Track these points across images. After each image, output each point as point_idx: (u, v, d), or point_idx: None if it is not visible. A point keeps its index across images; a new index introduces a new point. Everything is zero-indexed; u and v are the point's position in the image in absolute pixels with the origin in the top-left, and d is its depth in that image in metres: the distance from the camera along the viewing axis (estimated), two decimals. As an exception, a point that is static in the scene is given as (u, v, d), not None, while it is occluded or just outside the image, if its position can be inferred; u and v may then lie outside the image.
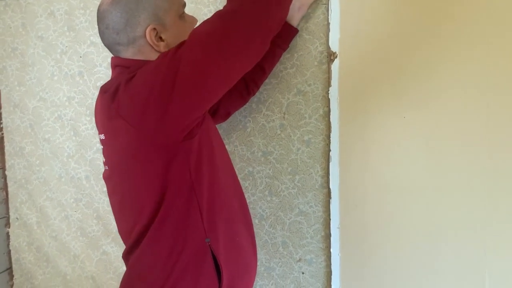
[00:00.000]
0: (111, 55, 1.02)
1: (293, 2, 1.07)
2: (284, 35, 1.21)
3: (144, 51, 0.97)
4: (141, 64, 0.94)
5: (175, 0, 1.00)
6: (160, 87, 0.84)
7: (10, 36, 1.68)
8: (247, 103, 1.34)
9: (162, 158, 0.89)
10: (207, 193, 0.95)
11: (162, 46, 0.97)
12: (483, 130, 1.14)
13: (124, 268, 1.60)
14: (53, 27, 1.60)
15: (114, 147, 0.96)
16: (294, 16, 1.21)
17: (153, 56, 0.96)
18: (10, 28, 1.68)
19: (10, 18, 1.67)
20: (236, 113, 1.38)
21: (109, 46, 0.99)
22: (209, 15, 1.28)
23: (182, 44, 0.87)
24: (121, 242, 1.60)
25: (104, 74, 1.54)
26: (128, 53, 0.98)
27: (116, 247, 1.62)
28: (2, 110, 1.74)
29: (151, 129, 0.86)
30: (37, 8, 1.62)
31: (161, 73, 0.85)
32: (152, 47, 0.96)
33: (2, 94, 1.73)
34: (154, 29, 0.95)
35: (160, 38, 0.97)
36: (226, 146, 1.41)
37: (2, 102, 1.74)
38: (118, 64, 0.99)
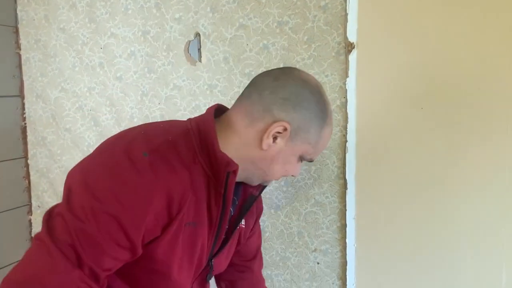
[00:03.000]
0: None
1: None
2: None
3: (248, 135, 0.85)
4: (221, 156, 0.81)
5: (317, 144, 0.89)
6: None
7: (33, 28, 1.72)
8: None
9: None
10: None
11: (267, 145, 0.84)
12: (504, 124, 1.13)
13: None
14: (75, 19, 1.64)
15: None
16: None
17: (245, 147, 0.85)
18: (34, 20, 1.72)
19: (34, 10, 1.71)
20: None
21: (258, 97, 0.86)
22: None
23: None
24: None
25: (124, 65, 1.57)
26: (242, 113, 0.86)
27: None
28: (25, 100, 1.79)
29: None
30: (60, 1, 1.65)
31: None
32: (260, 139, 0.84)
33: (25, 84, 1.78)
34: (286, 129, 0.83)
35: (275, 138, 0.84)
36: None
37: (25, 92, 1.78)
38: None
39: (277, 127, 0.82)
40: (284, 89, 0.84)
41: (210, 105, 0.91)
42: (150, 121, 1.54)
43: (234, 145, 0.85)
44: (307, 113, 0.84)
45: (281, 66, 1.33)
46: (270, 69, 0.94)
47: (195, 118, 0.89)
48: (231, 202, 0.88)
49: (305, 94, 0.85)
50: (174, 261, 0.83)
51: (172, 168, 0.77)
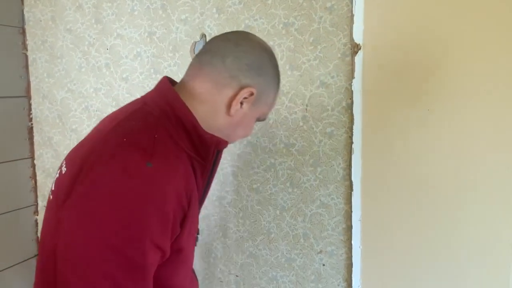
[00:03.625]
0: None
1: None
2: None
3: (216, 103, 0.86)
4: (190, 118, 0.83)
5: (272, 104, 0.95)
6: None
7: (40, 29, 1.73)
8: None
9: None
10: None
11: (235, 111, 0.86)
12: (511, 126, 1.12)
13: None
14: (81, 20, 1.64)
15: None
16: None
17: (213, 116, 0.86)
18: (40, 21, 1.73)
19: (40, 11, 1.72)
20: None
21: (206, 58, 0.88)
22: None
23: None
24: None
25: (130, 66, 1.57)
26: (205, 83, 0.86)
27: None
28: (32, 101, 1.80)
29: None
30: (66, 2, 1.66)
31: None
32: (229, 106, 0.86)
33: (32, 85, 1.79)
34: (253, 94, 0.86)
35: (242, 104, 0.87)
36: (249, 138, 1.42)
37: (31, 93, 1.79)
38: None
39: (245, 93, 0.85)
40: (248, 55, 0.86)
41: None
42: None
43: (203, 116, 0.85)
44: (268, 77, 0.89)
45: (287, 67, 1.33)
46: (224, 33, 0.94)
47: (154, 98, 0.86)
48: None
49: (265, 59, 0.89)
50: (190, 246, 0.87)
51: (173, 166, 0.77)
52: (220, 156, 0.96)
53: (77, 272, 0.70)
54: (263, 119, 0.97)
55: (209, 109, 0.86)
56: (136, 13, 1.54)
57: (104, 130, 0.81)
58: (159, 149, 0.76)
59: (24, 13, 1.77)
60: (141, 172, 0.72)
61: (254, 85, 0.86)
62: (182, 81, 0.89)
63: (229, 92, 0.85)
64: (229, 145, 1.38)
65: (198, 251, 1.56)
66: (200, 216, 1.53)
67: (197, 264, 1.57)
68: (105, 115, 1.62)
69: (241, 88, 0.85)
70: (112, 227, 0.70)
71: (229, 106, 0.86)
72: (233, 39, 0.88)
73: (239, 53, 0.85)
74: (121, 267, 0.70)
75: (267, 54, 0.90)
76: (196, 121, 0.83)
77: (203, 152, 0.85)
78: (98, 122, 1.66)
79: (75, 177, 0.74)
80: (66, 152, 1.73)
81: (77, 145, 0.87)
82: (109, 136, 0.78)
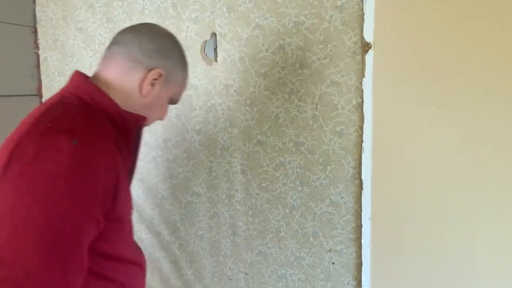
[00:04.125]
0: None
1: None
2: None
3: (129, 88, 0.95)
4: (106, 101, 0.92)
5: (182, 85, 1.05)
6: None
7: (51, 28, 1.75)
8: (280, 94, 1.36)
9: None
10: None
11: (147, 92, 0.95)
12: (522, 122, 1.11)
13: (158, 255, 1.65)
14: (92, 19, 1.66)
15: None
16: None
17: (129, 100, 0.95)
18: (52, 20, 1.74)
19: (52, 10, 1.74)
20: (268, 103, 1.39)
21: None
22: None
23: None
24: (156, 229, 1.65)
25: (141, 64, 1.58)
26: (116, 70, 0.94)
27: (150, 234, 1.66)
28: (43, 99, 1.81)
29: None
30: (77, 1, 1.68)
31: None
32: (140, 88, 0.95)
33: (43, 84, 1.80)
34: (162, 75, 0.96)
35: (153, 85, 0.96)
36: (259, 137, 1.42)
37: (43, 92, 1.81)
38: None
39: (154, 74, 0.94)
40: (151, 40, 0.95)
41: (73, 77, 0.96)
42: (166, 121, 1.55)
43: (120, 100, 0.94)
44: (174, 59, 0.99)
45: (297, 66, 1.33)
46: (131, 26, 1.01)
47: (70, 91, 0.92)
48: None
49: (168, 43, 0.99)
50: (126, 216, 0.95)
51: (97, 142, 0.84)
52: (142, 134, 1.05)
53: (9, 247, 0.73)
54: (176, 101, 1.06)
55: (124, 93, 0.94)
56: (146, 11, 1.55)
57: (30, 120, 0.86)
58: (81, 129, 0.83)
59: (36, 12, 1.78)
60: (68, 148, 0.78)
61: (160, 67, 0.95)
62: (94, 73, 0.97)
63: (138, 75, 0.94)
64: (238, 143, 1.40)
65: (208, 248, 1.57)
66: (209, 214, 1.54)
67: (206, 262, 1.58)
68: (115, 113, 1.64)
69: (149, 70, 0.94)
70: (45, 201, 0.75)
71: (140, 88, 0.95)
72: (137, 29, 0.98)
73: (142, 40, 0.94)
74: (55, 239, 0.74)
75: (170, 39, 1.00)
76: (114, 102, 0.92)
77: (125, 130, 0.94)
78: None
79: (9, 157, 0.79)
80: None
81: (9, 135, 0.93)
82: (36, 123, 0.83)
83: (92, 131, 0.84)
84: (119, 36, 0.97)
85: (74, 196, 0.77)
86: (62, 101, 0.90)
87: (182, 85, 1.05)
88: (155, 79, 0.95)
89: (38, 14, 1.78)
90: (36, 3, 1.78)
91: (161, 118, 1.06)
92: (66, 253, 0.76)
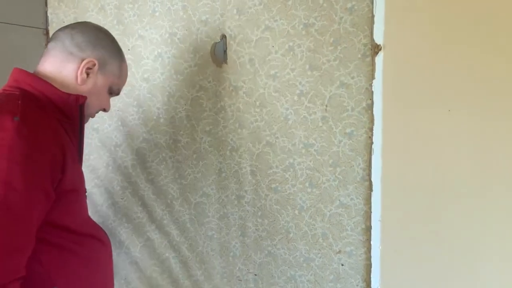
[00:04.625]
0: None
1: None
2: None
3: (66, 78, 1.04)
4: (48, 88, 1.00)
5: (120, 76, 1.15)
6: None
7: (63, 30, 1.77)
8: (290, 95, 1.37)
9: None
10: None
11: (82, 80, 1.05)
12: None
13: (168, 255, 1.66)
14: (103, 21, 1.67)
15: None
16: None
17: (66, 81, 1.04)
18: (63, 22, 1.76)
19: (64, 13, 1.76)
20: (278, 105, 1.40)
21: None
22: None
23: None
24: (165, 229, 1.66)
25: (151, 66, 1.59)
26: (53, 63, 1.04)
27: (160, 234, 1.67)
28: (55, 100, 1.83)
29: None
30: (88, 3, 1.69)
31: None
32: (76, 77, 1.05)
33: (54, 85, 1.82)
34: (95, 64, 1.06)
35: (88, 75, 1.06)
36: (268, 138, 1.43)
37: (54, 93, 1.83)
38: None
39: (87, 64, 1.04)
40: (83, 34, 1.06)
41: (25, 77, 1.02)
42: (175, 122, 1.57)
43: (61, 90, 1.02)
44: (107, 49, 1.09)
45: (307, 67, 1.34)
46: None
47: (11, 85, 1.00)
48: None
49: (101, 35, 1.09)
50: (77, 190, 1.04)
51: (39, 119, 0.93)
52: (85, 115, 1.11)
53: None
54: (117, 92, 1.16)
55: (62, 83, 1.03)
56: (157, 14, 1.56)
57: None
58: (23, 109, 0.91)
59: (48, 14, 1.80)
60: (11, 125, 0.86)
61: (93, 57, 1.05)
62: (35, 70, 1.06)
63: (73, 66, 1.04)
64: (247, 145, 1.41)
65: (217, 249, 1.58)
66: (219, 215, 1.55)
67: (216, 262, 1.58)
68: (126, 114, 1.66)
69: (82, 60, 1.04)
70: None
71: (76, 77, 1.05)
72: (70, 26, 1.08)
73: (75, 34, 1.05)
74: (5, 209, 0.82)
75: (102, 32, 1.11)
76: (54, 87, 1.00)
77: (68, 111, 1.02)
78: (119, 121, 1.69)
79: None
80: (87, 151, 1.76)
81: None
82: None
83: (33, 111, 0.93)
84: (55, 33, 1.07)
85: (22, 168, 0.84)
86: (3, 93, 0.97)
87: (120, 75, 1.15)
88: (89, 68, 1.06)
89: (50, 17, 1.80)
90: (48, 5, 1.80)
91: (103, 108, 1.15)
92: (15, 219, 0.84)
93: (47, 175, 0.90)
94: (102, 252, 1.13)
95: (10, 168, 0.83)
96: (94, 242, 1.10)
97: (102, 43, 1.09)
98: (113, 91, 1.15)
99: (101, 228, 1.18)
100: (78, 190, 1.05)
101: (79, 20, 1.71)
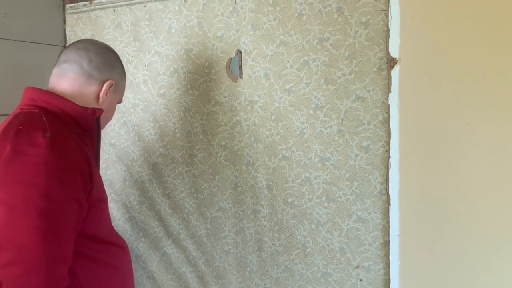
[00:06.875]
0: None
1: None
2: None
3: (86, 97, 1.09)
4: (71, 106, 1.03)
5: (124, 89, 1.23)
6: None
7: (81, 47, 1.80)
8: (306, 109, 1.37)
9: None
10: None
11: (103, 101, 1.11)
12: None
13: (184, 269, 1.66)
14: (120, 38, 1.70)
15: None
16: None
17: (88, 101, 1.09)
18: (81, 39, 1.79)
19: (81, 30, 1.79)
20: (293, 119, 1.40)
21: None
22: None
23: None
24: (182, 243, 1.66)
25: (167, 82, 1.61)
26: (72, 84, 1.07)
27: (176, 249, 1.67)
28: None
29: None
30: (106, 20, 1.72)
31: None
32: (97, 97, 1.10)
33: (72, 101, 1.85)
34: (112, 85, 1.11)
35: (106, 94, 1.11)
36: (284, 152, 1.43)
37: (72, 109, 1.86)
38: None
39: (108, 85, 1.10)
40: (98, 56, 1.10)
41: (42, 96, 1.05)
42: (191, 137, 1.58)
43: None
44: (119, 70, 1.16)
45: (322, 82, 1.34)
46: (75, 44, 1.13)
47: (28, 104, 1.02)
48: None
49: (112, 56, 1.15)
50: (103, 199, 1.08)
51: (65, 135, 0.97)
52: (100, 128, 1.15)
53: (7, 234, 0.86)
54: (119, 103, 1.23)
55: (80, 103, 1.06)
56: (173, 30, 1.58)
57: None
58: (50, 125, 0.94)
59: (66, 32, 1.84)
60: (43, 141, 0.90)
61: (111, 78, 1.12)
62: (48, 88, 1.08)
63: (94, 88, 1.09)
64: (263, 159, 1.41)
65: (233, 264, 1.57)
66: (235, 229, 1.55)
67: (232, 277, 1.58)
68: (143, 130, 1.68)
69: (103, 82, 1.10)
70: (29, 190, 0.87)
71: (97, 98, 1.10)
72: (83, 48, 1.10)
73: (92, 57, 1.09)
74: (46, 221, 0.87)
75: (112, 52, 1.16)
76: (71, 102, 1.03)
77: (86, 124, 1.05)
78: (136, 137, 1.70)
79: None
80: (104, 165, 1.78)
81: None
82: (6, 130, 0.94)
83: (58, 126, 0.97)
84: (69, 55, 1.09)
85: (59, 181, 0.89)
86: (22, 112, 0.99)
87: (124, 89, 1.23)
88: (108, 89, 1.11)
89: (68, 34, 1.84)
90: (66, 23, 1.84)
91: (110, 119, 1.22)
92: (58, 230, 0.89)
93: (80, 186, 0.94)
94: (125, 260, 1.17)
95: (49, 182, 0.88)
96: (117, 250, 1.14)
97: (115, 64, 1.15)
98: (119, 102, 1.23)
99: (120, 235, 1.21)
100: (104, 199, 1.10)
101: (97, 38, 1.74)
